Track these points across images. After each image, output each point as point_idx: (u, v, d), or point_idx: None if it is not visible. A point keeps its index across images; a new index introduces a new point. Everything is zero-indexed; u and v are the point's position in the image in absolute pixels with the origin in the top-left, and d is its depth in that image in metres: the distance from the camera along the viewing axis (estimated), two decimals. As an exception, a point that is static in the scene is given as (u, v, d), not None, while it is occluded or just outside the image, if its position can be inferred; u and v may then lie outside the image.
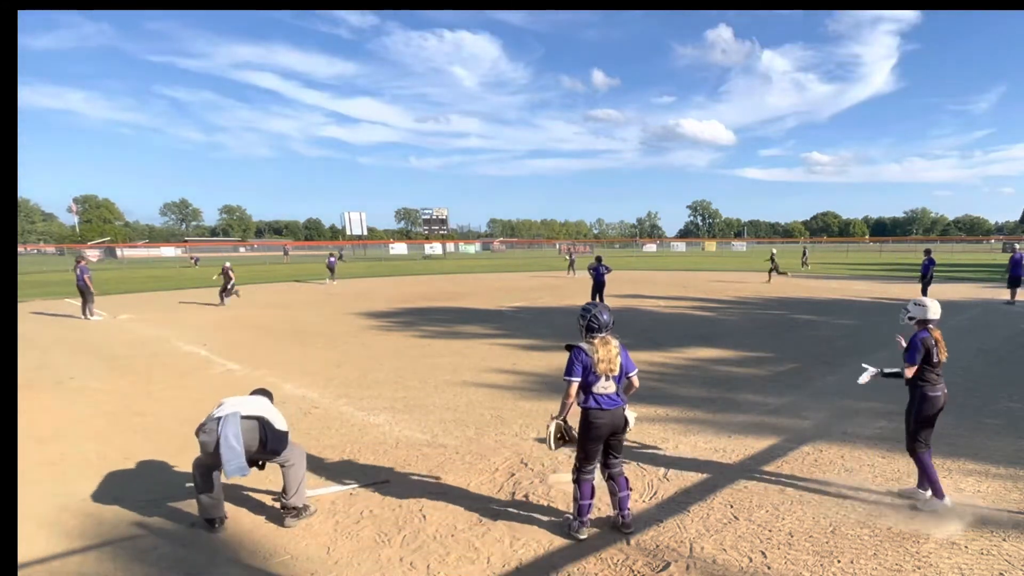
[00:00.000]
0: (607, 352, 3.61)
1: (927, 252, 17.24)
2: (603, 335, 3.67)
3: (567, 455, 5.08)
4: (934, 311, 4.15)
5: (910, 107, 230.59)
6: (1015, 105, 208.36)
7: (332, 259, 27.21)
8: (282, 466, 4.05)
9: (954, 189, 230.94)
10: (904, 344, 4.18)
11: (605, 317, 3.70)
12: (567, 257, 32.12)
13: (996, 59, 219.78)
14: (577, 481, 3.74)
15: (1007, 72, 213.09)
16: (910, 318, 4.23)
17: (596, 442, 3.68)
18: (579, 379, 3.59)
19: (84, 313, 14.27)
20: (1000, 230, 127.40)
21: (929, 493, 4.11)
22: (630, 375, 3.79)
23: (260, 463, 4.04)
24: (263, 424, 3.93)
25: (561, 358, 9.15)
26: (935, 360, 4.06)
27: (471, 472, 4.84)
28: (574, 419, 3.77)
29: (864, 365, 4.34)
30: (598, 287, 15.55)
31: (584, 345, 3.65)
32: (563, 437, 3.76)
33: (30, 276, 29.79)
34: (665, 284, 24.29)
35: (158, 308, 16.81)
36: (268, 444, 3.89)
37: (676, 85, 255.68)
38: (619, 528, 3.80)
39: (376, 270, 35.47)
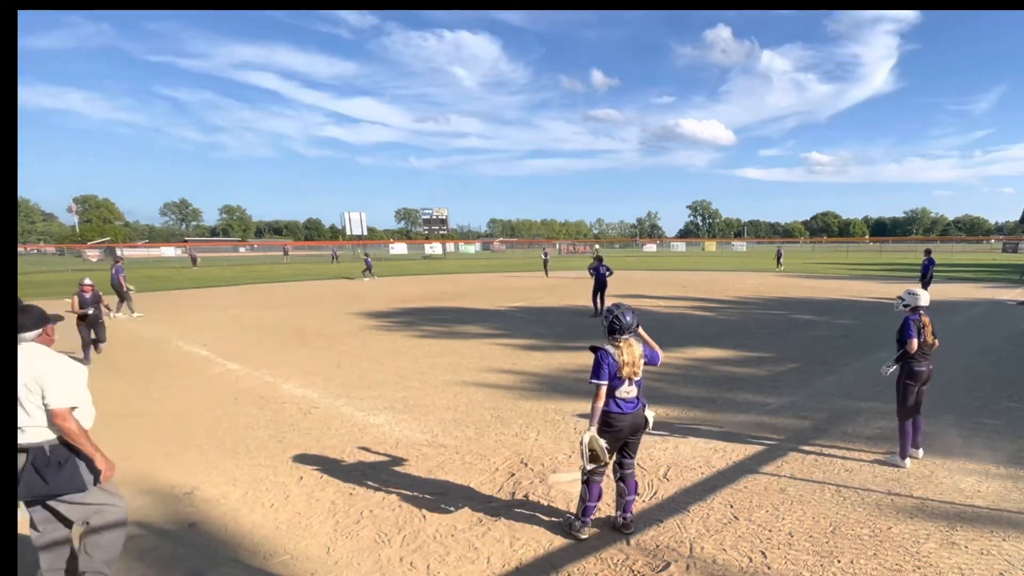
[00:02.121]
0: (632, 355, 3.54)
1: (927, 252, 17.18)
2: (627, 337, 3.58)
3: (567, 455, 5.09)
4: (924, 299, 4.89)
5: (910, 107, 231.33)
6: (1015, 105, 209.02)
7: (368, 258, 28.52)
8: (84, 524, 2.91)
9: (954, 189, 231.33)
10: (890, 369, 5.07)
11: (628, 318, 3.59)
12: (543, 257, 32.39)
13: (996, 59, 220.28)
14: (587, 482, 3.68)
15: (1007, 72, 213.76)
16: (904, 305, 4.97)
17: (614, 444, 3.62)
18: (607, 382, 3.50)
19: (117, 311, 14.66)
20: (1000, 230, 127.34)
21: (920, 452, 4.98)
22: (656, 364, 3.78)
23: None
24: (33, 459, 2.75)
25: (561, 358, 9.21)
26: (921, 340, 4.81)
27: (471, 472, 4.84)
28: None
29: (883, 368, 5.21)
30: (599, 287, 14.97)
31: (610, 348, 3.57)
32: (599, 456, 3.47)
33: (30, 276, 29.80)
34: (665, 284, 24.29)
35: (158, 308, 16.80)
36: (41, 487, 2.73)
37: (676, 85, 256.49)
38: (619, 529, 3.79)
39: (376, 270, 35.44)
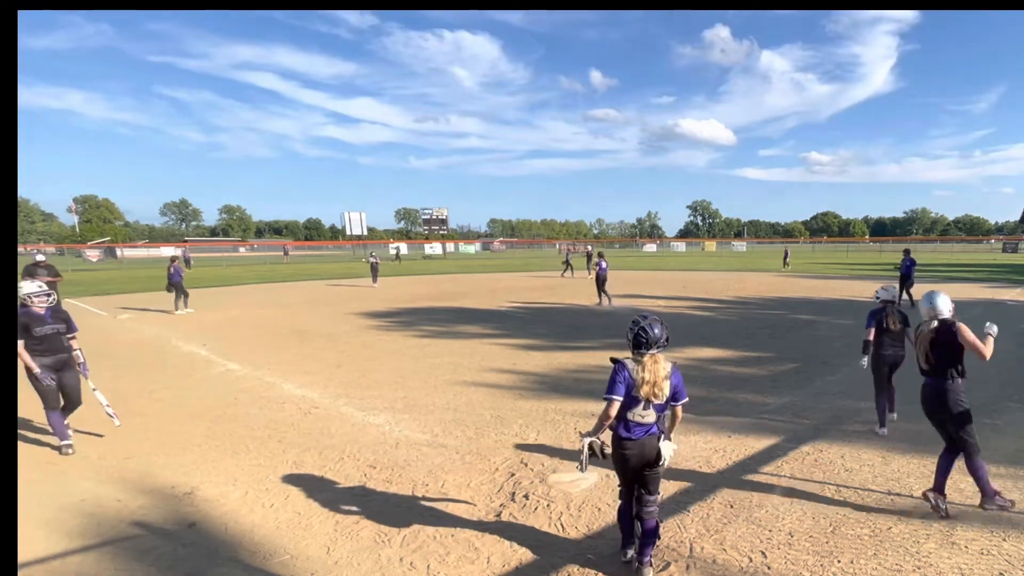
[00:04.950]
0: (654, 373, 3.11)
1: (906, 252, 15.92)
2: (652, 352, 3.15)
3: (568, 455, 5.08)
4: (894, 294, 5.93)
5: (910, 107, 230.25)
6: (1015, 105, 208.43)
7: (375, 260, 24.49)
8: None
9: (954, 189, 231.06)
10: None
11: (656, 331, 3.16)
12: (566, 258, 31.38)
13: (996, 59, 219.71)
14: (622, 496, 3.47)
15: (1007, 72, 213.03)
16: (877, 298, 5.94)
17: (625, 471, 3.31)
18: (621, 398, 3.12)
19: (176, 307, 15.46)
20: (1000, 230, 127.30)
21: (895, 415, 5.84)
22: (676, 405, 3.27)
23: None
24: None
25: (561, 358, 9.22)
26: (886, 327, 5.63)
27: (471, 472, 4.84)
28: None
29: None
30: (599, 281, 16.47)
31: (628, 362, 3.18)
32: (596, 455, 3.24)
33: (30, 276, 29.72)
34: (665, 284, 24.29)
35: (158, 308, 16.80)
36: None
37: (675, 85, 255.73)
38: (634, 572, 3.38)
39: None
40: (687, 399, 3.34)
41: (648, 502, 3.32)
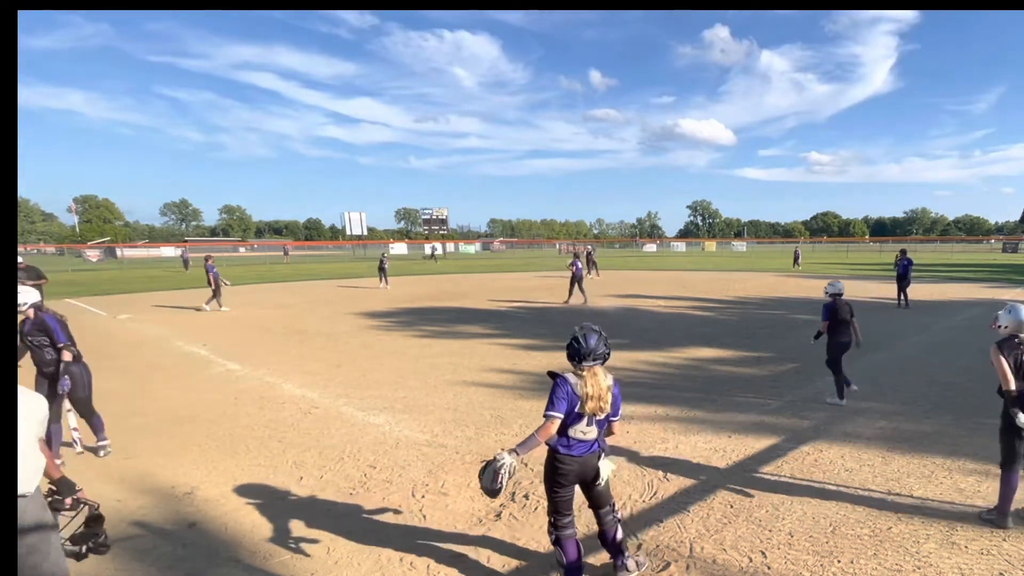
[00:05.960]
0: (596, 386, 2.93)
1: (902, 252, 15.79)
2: (591, 365, 2.97)
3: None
4: (841, 288, 6.75)
5: (909, 107, 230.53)
6: (1015, 105, 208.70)
7: (385, 260, 23.64)
8: None
9: (954, 189, 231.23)
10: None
11: (593, 342, 2.95)
12: (585, 258, 30.63)
13: (995, 59, 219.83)
14: (556, 541, 3.11)
15: (1006, 72, 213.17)
16: (826, 292, 6.76)
17: (563, 489, 3.08)
18: (562, 415, 2.91)
19: (207, 305, 16.04)
20: (1000, 230, 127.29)
21: (854, 386, 6.71)
22: (612, 420, 3.13)
23: None
24: None
25: (561, 358, 9.14)
26: (840, 317, 6.58)
27: (471, 472, 4.84)
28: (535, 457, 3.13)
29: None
30: (575, 280, 16.90)
31: (570, 376, 2.97)
32: (511, 475, 2.85)
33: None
34: (665, 284, 24.29)
35: (158, 308, 16.81)
36: None
37: (675, 85, 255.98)
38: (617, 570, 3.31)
39: (375, 270, 35.44)
40: (620, 416, 3.21)
41: (605, 517, 3.23)
